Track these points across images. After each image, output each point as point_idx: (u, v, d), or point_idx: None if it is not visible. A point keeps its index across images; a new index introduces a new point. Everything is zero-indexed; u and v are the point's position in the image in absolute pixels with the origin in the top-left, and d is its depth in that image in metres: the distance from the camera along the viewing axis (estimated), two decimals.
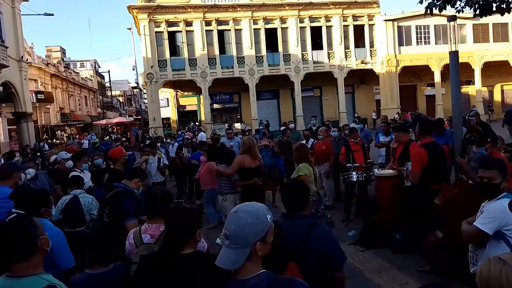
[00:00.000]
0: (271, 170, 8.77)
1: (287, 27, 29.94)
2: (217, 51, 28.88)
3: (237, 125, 27.19)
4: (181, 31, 28.46)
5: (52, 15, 23.20)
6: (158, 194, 3.10)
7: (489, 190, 2.93)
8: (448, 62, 6.25)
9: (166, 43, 28.16)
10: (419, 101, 33.76)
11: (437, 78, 31.21)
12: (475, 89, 32.36)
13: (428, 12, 7.71)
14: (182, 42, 28.57)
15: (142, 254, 2.57)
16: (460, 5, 7.89)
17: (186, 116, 32.34)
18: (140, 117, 40.12)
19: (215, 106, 31.75)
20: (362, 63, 31.06)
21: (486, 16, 8.04)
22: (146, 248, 2.73)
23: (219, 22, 28.83)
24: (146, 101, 38.21)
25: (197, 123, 28.01)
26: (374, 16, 30.92)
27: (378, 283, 4.92)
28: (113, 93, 61.74)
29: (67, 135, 33.90)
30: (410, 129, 9.25)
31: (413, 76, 33.03)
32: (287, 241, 2.38)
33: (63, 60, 46.16)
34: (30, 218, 2.13)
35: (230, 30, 29.09)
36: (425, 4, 7.78)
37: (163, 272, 2.12)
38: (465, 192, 4.33)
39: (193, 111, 32.57)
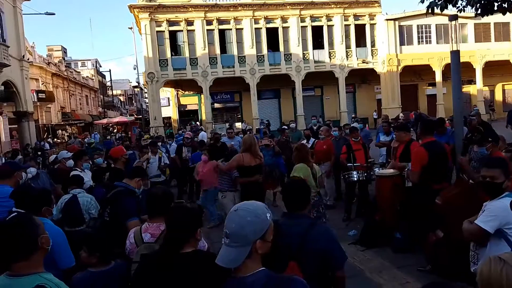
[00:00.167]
0: (271, 170, 8.77)
1: (288, 27, 29.93)
2: (218, 51, 28.88)
3: (238, 125, 27.19)
4: (182, 31, 28.46)
5: (53, 14, 23.21)
6: (159, 193, 3.10)
7: (491, 189, 2.93)
8: (449, 61, 6.25)
9: (167, 42, 28.17)
10: (420, 101, 33.72)
11: (438, 77, 31.17)
12: (477, 88, 32.31)
13: (430, 11, 7.70)
14: (183, 42, 28.58)
15: (142, 253, 2.57)
16: (461, 4, 7.87)
17: (187, 115, 32.35)
18: (141, 116, 40.13)
19: (216, 105, 31.75)
20: (363, 62, 31.03)
21: (487, 15, 8.02)
22: (146, 247, 2.73)
23: (220, 21, 28.82)
24: (147, 100, 38.26)
25: (197, 122, 28.02)
26: (375, 15, 30.88)
27: (379, 283, 4.92)
28: (114, 92, 61.77)
29: (68, 134, 33.92)
30: (412, 129, 9.25)
31: (414, 76, 32.99)
32: (287, 241, 2.38)
33: (64, 59, 46.22)
34: (30, 217, 2.13)
35: (231, 29, 29.08)
36: (426, 3, 7.77)
37: (163, 271, 2.12)
38: (466, 192, 4.32)
39: (194, 111, 32.58)
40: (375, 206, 6.43)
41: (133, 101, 76.74)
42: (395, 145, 6.59)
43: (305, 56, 30.25)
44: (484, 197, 3.05)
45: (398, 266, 5.29)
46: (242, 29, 29.19)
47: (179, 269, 2.10)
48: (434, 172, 5.05)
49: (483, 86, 32.32)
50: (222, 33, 29.13)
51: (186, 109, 32.76)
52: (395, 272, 5.14)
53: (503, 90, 35.50)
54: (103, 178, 5.70)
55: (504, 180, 2.88)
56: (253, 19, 29.09)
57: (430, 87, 33.18)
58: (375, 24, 31.08)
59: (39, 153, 16.90)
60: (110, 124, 38.69)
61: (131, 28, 31.99)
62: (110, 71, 54.49)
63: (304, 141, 9.73)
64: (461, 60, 6.10)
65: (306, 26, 30.07)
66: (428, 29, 31.44)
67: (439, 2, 7.58)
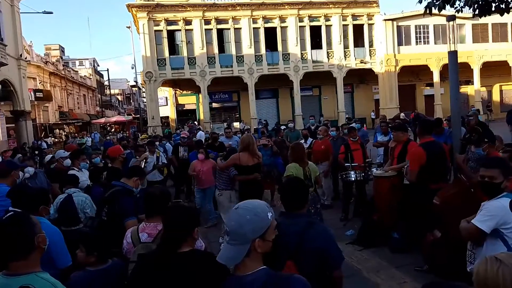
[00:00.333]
0: (270, 169, 8.78)
1: (287, 26, 29.93)
2: (216, 50, 28.86)
3: (236, 124, 27.18)
4: (180, 30, 28.43)
5: (51, 13, 23.17)
6: (156, 193, 3.10)
7: (490, 189, 2.93)
8: (447, 62, 6.26)
9: (165, 41, 28.13)
10: (418, 101, 33.79)
11: (436, 78, 31.25)
12: (474, 89, 32.43)
13: (428, 11, 7.71)
14: (182, 41, 28.55)
15: (139, 253, 2.57)
16: (459, 5, 7.89)
17: (185, 115, 32.30)
18: (138, 115, 40.07)
19: (214, 105, 31.73)
20: (361, 62, 31.07)
21: (485, 16, 8.04)
22: (143, 247, 2.73)
23: (219, 21, 28.81)
24: (145, 99, 38.14)
25: (195, 122, 27.98)
26: (373, 15, 30.92)
27: (376, 282, 4.92)
28: (112, 91, 61.62)
29: (65, 133, 33.85)
30: (410, 129, 9.26)
31: (412, 76, 33.05)
32: (285, 240, 2.38)
33: (62, 58, 46.03)
34: (27, 216, 2.13)
35: (229, 29, 29.07)
36: (424, 3, 7.77)
37: (161, 271, 2.12)
38: (464, 191, 4.33)
39: (192, 110, 32.54)
40: (372, 206, 6.44)
41: (131, 101, 76.65)
42: (392, 145, 6.60)
43: (303, 56, 30.27)
44: (482, 197, 3.06)
45: (395, 265, 5.29)
46: (240, 28, 29.18)
47: (176, 269, 2.09)
48: (432, 172, 5.06)
49: (481, 86, 32.42)
50: (220, 32, 29.11)
51: (184, 108, 32.71)
52: (393, 272, 5.14)
53: (501, 91, 35.59)
54: (101, 177, 5.69)
55: (503, 180, 2.89)
56: (251, 19, 29.09)
57: (428, 88, 33.26)
58: (373, 24, 31.12)
59: (36, 152, 16.86)
60: (108, 124, 38.63)
61: (129, 27, 32.01)
62: (108, 70, 54.59)
63: (302, 141, 9.75)
64: (459, 60, 6.12)
65: (304, 26, 30.08)
66: (426, 30, 31.51)
67: (437, 2, 7.59)
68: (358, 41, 31.16)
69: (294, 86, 30.11)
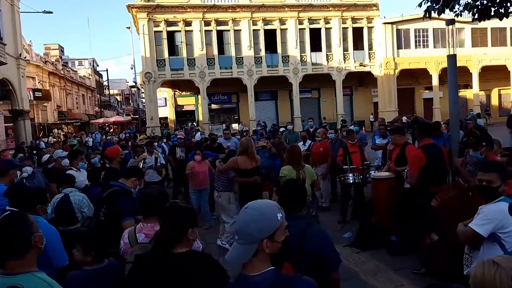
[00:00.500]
0: (268, 171, 8.78)
1: (286, 29, 29.98)
2: (216, 51, 28.88)
3: (235, 126, 27.19)
4: (180, 31, 28.45)
5: (51, 13, 23.19)
6: (154, 193, 3.09)
7: (487, 193, 2.93)
8: (446, 65, 6.29)
9: (165, 42, 28.14)
10: (416, 104, 33.85)
11: (435, 81, 31.32)
12: (473, 93, 32.52)
13: (427, 15, 7.72)
14: (181, 42, 28.57)
15: (136, 253, 2.56)
16: (458, 9, 7.90)
17: (184, 116, 32.31)
18: (137, 116, 40.03)
19: (213, 106, 31.73)
20: (360, 65, 31.13)
21: (484, 20, 8.06)
22: (140, 247, 2.72)
23: (218, 22, 28.83)
24: (144, 100, 38.13)
25: (193, 123, 27.99)
26: (373, 18, 31.00)
27: (374, 285, 4.92)
28: (111, 92, 61.60)
29: (64, 133, 33.80)
30: (408, 132, 9.28)
31: (411, 79, 33.12)
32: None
33: (61, 58, 46.00)
34: (24, 215, 2.12)
35: (229, 30, 29.09)
36: (424, 7, 7.80)
37: (157, 272, 2.11)
38: (462, 195, 4.33)
39: (191, 111, 32.54)
40: (370, 209, 6.44)
41: (130, 101, 76.57)
42: (390, 148, 6.61)
43: (303, 58, 30.30)
44: (479, 200, 3.06)
45: (393, 268, 5.29)
46: (240, 30, 29.21)
47: (173, 270, 2.09)
48: (431, 174, 5.07)
49: (480, 90, 32.51)
50: (220, 34, 29.13)
51: (183, 109, 32.71)
52: (390, 275, 5.14)
53: (499, 95, 35.68)
54: (99, 177, 5.68)
55: (500, 184, 2.88)
56: (251, 21, 29.12)
57: (427, 91, 33.32)
58: (372, 27, 31.19)
59: (35, 152, 16.84)
60: (107, 124, 38.59)
61: (129, 28, 32.03)
62: (107, 70, 54.49)
63: (301, 143, 9.76)
64: (458, 64, 6.14)
65: (304, 29, 30.13)
66: (425, 33, 31.58)
67: (437, 6, 7.61)
68: (358, 44, 31.22)
69: (293, 88, 30.14)
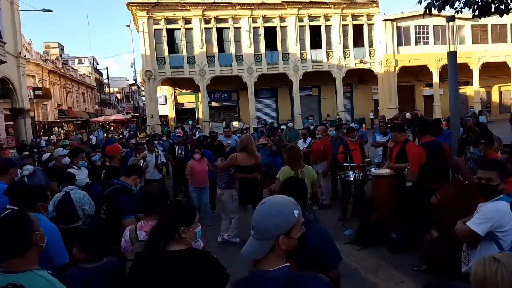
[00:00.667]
0: (268, 169, 8.78)
1: (286, 26, 29.92)
2: (216, 49, 28.85)
3: (235, 124, 27.18)
4: (180, 29, 28.41)
5: (51, 11, 23.27)
6: (155, 191, 3.09)
7: (486, 191, 2.92)
8: (446, 62, 6.28)
9: (164, 40, 28.10)
10: (417, 101, 33.81)
11: (435, 78, 31.28)
12: (473, 90, 32.47)
13: (427, 12, 7.71)
14: (181, 40, 28.53)
15: (137, 251, 2.57)
16: (459, 5, 7.89)
17: (184, 114, 32.30)
18: (138, 114, 40.01)
19: (213, 104, 31.71)
20: (360, 62, 31.08)
21: (485, 17, 8.05)
22: (141, 245, 2.72)
23: (218, 20, 28.78)
24: (144, 98, 38.10)
25: (194, 121, 28.00)
26: (373, 16, 30.93)
27: (374, 282, 4.93)
28: (111, 90, 61.55)
29: (64, 131, 33.81)
30: (408, 129, 9.27)
31: (411, 76, 33.07)
32: None
33: (61, 56, 45.96)
34: (25, 213, 2.12)
35: (229, 28, 29.05)
36: (424, 4, 7.78)
37: (154, 269, 2.11)
38: (462, 192, 4.33)
39: (191, 109, 32.53)
40: (371, 206, 6.44)
41: (130, 99, 76.56)
42: (391, 145, 6.61)
43: (303, 56, 30.26)
44: (479, 198, 3.06)
45: (393, 265, 5.30)
46: (240, 28, 29.16)
47: (169, 267, 2.09)
48: (432, 172, 5.07)
49: (480, 87, 32.46)
50: (220, 31, 29.09)
51: (183, 107, 32.70)
52: (391, 272, 5.15)
53: (500, 92, 35.63)
54: (100, 175, 5.68)
55: (500, 183, 2.87)
56: (251, 18, 29.07)
57: (427, 88, 33.28)
58: (373, 24, 31.13)
59: (35, 150, 16.83)
60: (107, 122, 38.59)
61: (128, 26, 31.95)
62: (107, 68, 54.58)
63: (301, 140, 9.76)
64: (458, 61, 6.13)
65: (304, 26, 30.08)
66: (425, 30, 31.53)
67: (437, 3, 7.59)
68: (358, 41, 31.16)
69: (294, 86, 30.11)
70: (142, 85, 37.11)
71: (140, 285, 2.16)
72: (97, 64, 59.94)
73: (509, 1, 7.79)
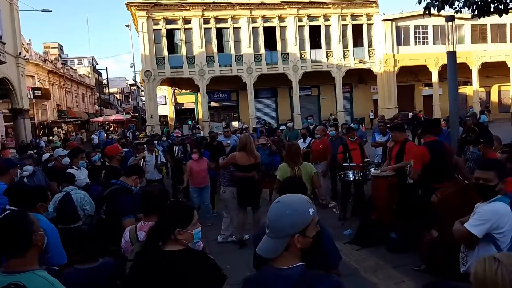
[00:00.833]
0: (268, 168, 8.77)
1: (286, 26, 29.92)
2: (215, 49, 28.84)
3: (235, 124, 27.17)
4: (179, 29, 28.41)
5: (50, 11, 23.21)
6: (155, 191, 3.09)
7: (484, 192, 2.90)
8: (446, 62, 6.29)
9: (164, 40, 28.10)
10: (416, 101, 33.82)
11: (435, 78, 31.29)
12: (473, 89, 32.48)
13: (427, 12, 7.71)
14: (181, 40, 28.52)
15: (137, 251, 2.57)
16: (458, 5, 7.90)
17: (183, 114, 32.30)
18: (137, 114, 39.98)
19: (213, 104, 31.71)
20: (360, 62, 31.09)
21: (484, 16, 8.05)
22: (141, 246, 2.72)
23: (218, 20, 28.78)
24: (143, 98, 38.11)
25: (194, 121, 27.99)
26: (372, 15, 30.93)
27: (374, 282, 4.93)
28: (111, 90, 61.53)
29: (63, 132, 33.79)
30: (408, 129, 9.27)
31: (411, 76, 33.09)
32: None
33: (60, 56, 45.92)
34: (25, 213, 2.12)
35: (228, 28, 29.05)
36: (423, 4, 7.79)
37: (150, 269, 2.11)
38: (461, 191, 4.33)
39: (190, 109, 32.53)
40: (370, 206, 6.44)
41: (130, 99, 76.52)
42: (390, 145, 6.61)
43: (302, 56, 30.26)
44: (478, 198, 3.05)
45: (393, 265, 5.30)
46: (240, 28, 29.16)
47: (165, 267, 2.09)
48: (435, 171, 5.07)
49: (479, 87, 32.48)
50: (219, 31, 29.08)
51: (182, 107, 32.69)
52: (390, 271, 5.15)
53: (499, 91, 35.65)
54: (99, 176, 5.68)
55: (498, 183, 2.85)
56: (250, 18, 29.07)
57: (427, 88, 33.29)
58: (372, 24, 31.14)
59: (35, 150, 16.81)
60: (107, 122, 38.57)
61: (128, 26, 31.92)
62: (106, 68, 54.51)
63: (301, 140, 9.75)
64: (458, 61, 6.14)
65: (304, 26, 30.07)
66: (425, 30, 31.54)
67: (436, 3, 7.60)
68: (357, 41, 31.17)
69: (293, 86, 30.12)
70: (141, 85, 37.11)
71: (136, 285, 2.16)
72: (97, 64, 59.93)
73: (508, 1, 7.80)
